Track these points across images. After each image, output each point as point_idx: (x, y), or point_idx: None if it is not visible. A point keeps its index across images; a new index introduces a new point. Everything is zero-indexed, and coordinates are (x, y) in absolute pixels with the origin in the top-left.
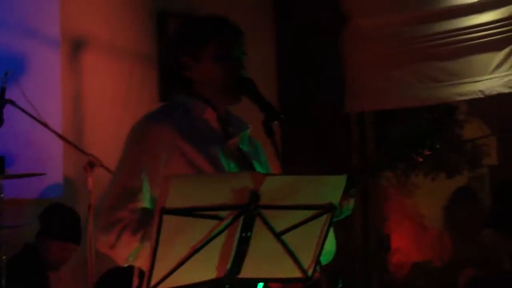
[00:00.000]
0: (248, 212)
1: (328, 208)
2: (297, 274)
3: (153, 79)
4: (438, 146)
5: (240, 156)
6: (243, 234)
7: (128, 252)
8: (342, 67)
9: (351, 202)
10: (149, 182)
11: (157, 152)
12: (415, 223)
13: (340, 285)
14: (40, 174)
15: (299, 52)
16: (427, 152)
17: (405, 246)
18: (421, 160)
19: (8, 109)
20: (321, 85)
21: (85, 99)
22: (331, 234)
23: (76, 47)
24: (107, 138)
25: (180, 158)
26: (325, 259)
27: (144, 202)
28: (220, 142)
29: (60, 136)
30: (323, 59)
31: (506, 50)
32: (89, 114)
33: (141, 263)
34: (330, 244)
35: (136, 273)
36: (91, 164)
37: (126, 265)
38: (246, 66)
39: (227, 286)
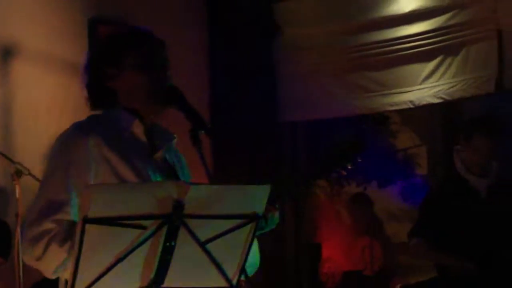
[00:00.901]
0: (172, 221)
1: (252, 218)
2: (222, 283)
3: (83, 87)
4: (359, 161)
5: (166, 168)
6: (167, 244)
7: (56, 264)
8: (275, 77)
9: (276, 214)
10: (77, 194)
11: (85, 163)
12: (346, 232)
13: None
14: None
15: (232, 61)
16: (349, 166)
17: (336, 255)
18: (345, 173)
19: None
20: (254, 94)
21: (15, 106)
22: (255, 247)
23: (5, 54)
24: (36, 147)
25: (107, 169)
26: (248, 271)
27: (72, 215)
28: (147, 154)
29: None
30: (256, 68)
31: (435, 61)
32: (19, 122)
33: (68, 275)
34: (253, 257)
35: (61, 282)
36: (19, 172)
37: (54, 277)
38: (172, 75)
39: None
